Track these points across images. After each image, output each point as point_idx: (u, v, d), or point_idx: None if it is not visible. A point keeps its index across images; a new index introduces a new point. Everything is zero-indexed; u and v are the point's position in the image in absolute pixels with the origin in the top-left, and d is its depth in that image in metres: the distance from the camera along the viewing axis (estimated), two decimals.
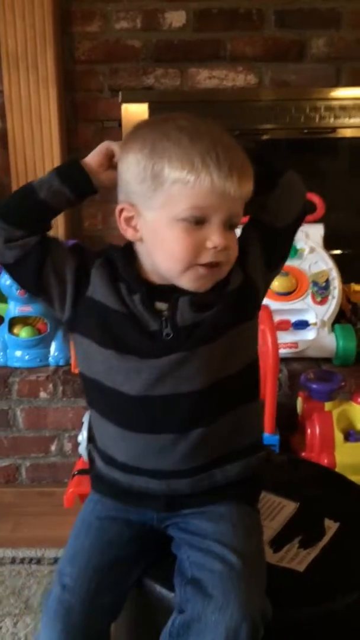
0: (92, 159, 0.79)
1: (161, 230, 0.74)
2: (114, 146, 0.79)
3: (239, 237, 0.80)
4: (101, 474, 0.85)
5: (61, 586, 0.78)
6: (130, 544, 0.83)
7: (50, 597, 0.78)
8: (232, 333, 0.78)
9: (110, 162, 0.79)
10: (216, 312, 0.77)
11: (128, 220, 0.78)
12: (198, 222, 0.73)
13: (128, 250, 0.80)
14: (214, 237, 0.73)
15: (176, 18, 1.90)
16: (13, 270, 0.81)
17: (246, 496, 0.84)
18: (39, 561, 1.41)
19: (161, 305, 0.78)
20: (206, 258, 0.74)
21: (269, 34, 1.91)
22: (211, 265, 0.74)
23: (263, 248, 0.81)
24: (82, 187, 0.79)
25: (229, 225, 0.75)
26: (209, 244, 0.73)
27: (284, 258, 0.85)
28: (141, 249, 0.79)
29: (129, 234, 0.78)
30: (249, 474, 0.83)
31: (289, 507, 0.93)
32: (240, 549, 0.75)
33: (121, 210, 0.78)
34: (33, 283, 0.80)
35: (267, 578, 0.76)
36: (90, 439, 0.89)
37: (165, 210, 0.74)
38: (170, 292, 0.77)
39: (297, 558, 0.83)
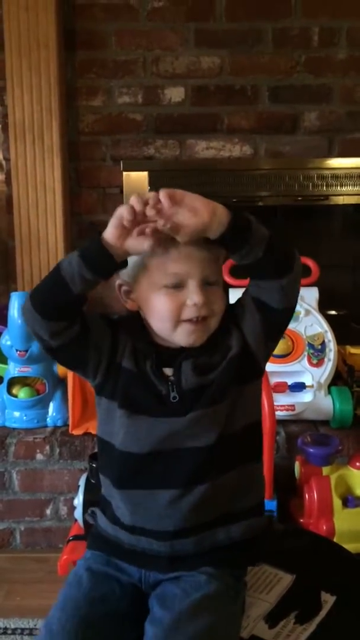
0: (109, 233, 0.76)
1: (149, 298, 0.83)
2: (125, 210, 0.75)
3: (238, 306, 0.85)
4: (104, 534, 0.88)
5: (48, 629, 0.78)
6: (122, 603, 0.83)
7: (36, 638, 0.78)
8: (235, 395, 0.84)
9: (128, 230, 0.76)
10: (218, 376, 0.83)
11: (126, 294, 0.86)
12: (176, 286, 0.81)
13: (140, 317, 0.87)
14: (192, 296, 0.81)
15: (175, 93, 2.01)
16: (55, 353, 0.84)
17: (241, 561, 0.86)
18: (30, 632, 1.37)
19: (168, 371, 0.84)
20: (189, 314, 0.81)
21: (263, 108, 2.01)
22: (197, 321, 0.82)
23: (263, 324, 0.84)
24: (112, 270, 0.79)
25: (207, 283, 0.82)
26: (189, 302, 0.81)
27: (285, 328, 0.89)
28: (144, 316, 0.86)
29: (128, 305, 0.86)
30: (251, 535, 0.86)
31: (285, 580, 0.91)
32: (187, 632, 0.74)
33: (120, 286, 0.86)
34: (73, 362, 0.86)
35: None
36: (95, 503, 0.93)
37: (149, 281, 0.82)
38: (175, 356, 0.84)
39: (293, 634, 0.81)
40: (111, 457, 0.86)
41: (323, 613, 0.85)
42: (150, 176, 1.95)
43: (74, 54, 2.00)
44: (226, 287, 0.93)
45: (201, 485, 0.82)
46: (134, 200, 0.75)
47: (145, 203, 0.74)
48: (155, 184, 1.94)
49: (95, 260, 0.76)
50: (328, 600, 0.87)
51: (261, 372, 0.88)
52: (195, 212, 0.74)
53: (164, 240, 0.77)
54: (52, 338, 0.81)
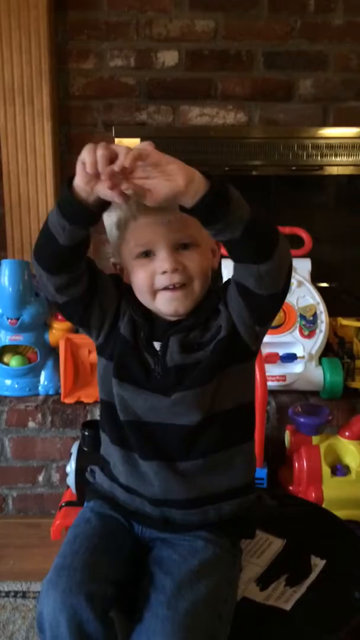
0: (77, 179, 0.71)
1: (131, 271, 0.84)
2: (87, 157, 0.69)
3: (227, 286, 0.83)
4: (100, 490, 0.90)
5: (62, 557, 0.79)
6: (127, 542, 0.85)
7: (49, 573, 0.78)
8: (221, 376, 0.82)
9: (94, 176, 0.69)
10: (204, 358, 0.82)
11: (121, 270, 0.86)
12: (147, 254, 0.81)
13: None
14: (161, 263, 0.80)
15: (169, 57, 1.96)
16: (61, 308, 0.85)
17: (234, 533, 0.86)
18: (24, 595, 1.39)
19: (157, 345, 0.84)
20: (162, 283, 0.81)
21: (258, 75, 1.97)
22: (173, 288, 0.81)
23: (247, 308, 0.81)
24: (87, 218, 0.73)
25: (181, 247, 0.80)
26: (159, 270, 0.80)
27: (274, 315, 0.85)
28: None
29: (125, 279, 0.86)
30: (242, 513, 0.86)
31: (276, 544, 0.94)
32: (189, 597, 0.74)
33: (115, 265, 0.87)
34: (78, 319, 0.86)
35: (254, 618, 0.76)
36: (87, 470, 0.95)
37: (127, 252, 0.83)
38: (166, 330, 0.83)
39: (284, 596, 0.84)
40: (109, 415, 0.87)
41: (313, 576, 0.88)
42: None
43: (65, 15, 1.93)
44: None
45: (187, 462, 0.83)
46: (99, 154, 0.68)
47: (111, 159, 0.68)
48: None
49: (68, 208, 0.72)
50: (318, 563, 0.90)
51: (252, 354, 0.85)
52: (169, 176, 0.68)
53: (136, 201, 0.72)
54: (57, 293, 0.80)
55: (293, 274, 1.67)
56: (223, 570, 0.81)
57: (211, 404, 0.82)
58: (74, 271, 0.79)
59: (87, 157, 0.69)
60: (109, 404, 0.87)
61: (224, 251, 0.85)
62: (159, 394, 0.82)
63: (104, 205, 0.73)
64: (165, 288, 0.81)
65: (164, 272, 0.80)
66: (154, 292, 0.82)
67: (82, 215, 0.73)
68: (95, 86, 1.98)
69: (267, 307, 0.80)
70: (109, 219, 0.83)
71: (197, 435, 0.82)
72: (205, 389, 0.81)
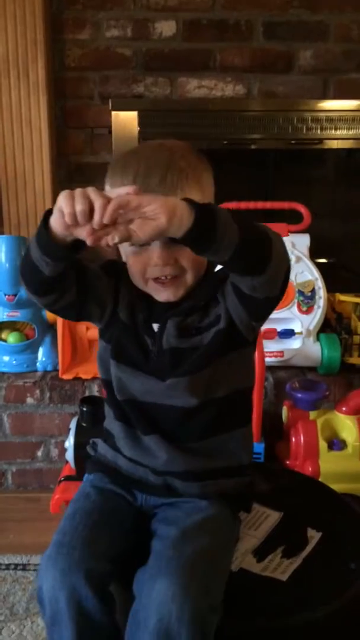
0: (55, 222, 0.69)
1: (126, 256, 0.85)
2: (65, 207, 0.67)
3: (223, 280, 0.83)
4: (103, 460, 0.91)
5: (62, 534, 0.79)
6: (129, 517, 0.86)
7: (48, 548, 0.78)
8: (216, 363, 0.83)
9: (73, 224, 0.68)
10: (200, 344, 0.83)
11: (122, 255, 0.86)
12: (142, 244, 0.80)
13: None
14: (153, 256, 0.80)
15: (166, 27, 1.92)
16: (55, 313, 0.86)
17: (232, 504, 0.87)
18: (24, 567, 1.41)
19: (155, 326, 0.85)
20: (154, 274, 0.82)
21: (258, 45, 1.93)
22: (165, 280, 0.81)
23: (244, 308, 0.81)
24: (72, 255, 0.73)
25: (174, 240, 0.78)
26: (151, 262, 0.80)
27: (270, 312, 0.84)
28: None
29: (124, 259, 0.86)
30: (239, 490, 0.88)
31: (273, 517, 0.95)
32: (194, 543, 0.75)
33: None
34: (74, 318, 0.87)
35: (251, 588, 0.77)
36: (85, 445, 0.97)
37: None
38: (165, 312, 0.84)
39: (280, 568, 0.85)
40: (109, 393, 0.89)
41: (309, 548, 0.89)
42: (139, 116, 1.88)
43: None
44: None
45: (184, 442, 0.84)
46: (78, 210, 0.66)
47: (90, 210, 0.66)
48: (144, 125, 1.88)
49: (47, 247, 0.71)
50: (314, 536, 0.91)
51: (249, 343, 0.86)
52: (151, 216, 0.67)
53: None
54: (47, 307, 0.83)
55: (292, 249, 1.69)
56: (225, 530, 0.83)
57: (207, 389, 0.83)
58: (64, 290, 0.80)
59: (65, 208, 0.67)
60: (108, 383, 0.88)
61: None
62: (155, 377, 0.84)
63: (84, 243, 0.71)
64: (157, 279, 0.82)
65: (156, 265, 0.80)
66: (145, 280, 0.83)
67: (62, 253, 0.72)
68: (91, 57, 1.94)
69: (263, 307, 0.81)
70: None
71: (193, 418, 0.84)
72: (200, 375, 0.83)
